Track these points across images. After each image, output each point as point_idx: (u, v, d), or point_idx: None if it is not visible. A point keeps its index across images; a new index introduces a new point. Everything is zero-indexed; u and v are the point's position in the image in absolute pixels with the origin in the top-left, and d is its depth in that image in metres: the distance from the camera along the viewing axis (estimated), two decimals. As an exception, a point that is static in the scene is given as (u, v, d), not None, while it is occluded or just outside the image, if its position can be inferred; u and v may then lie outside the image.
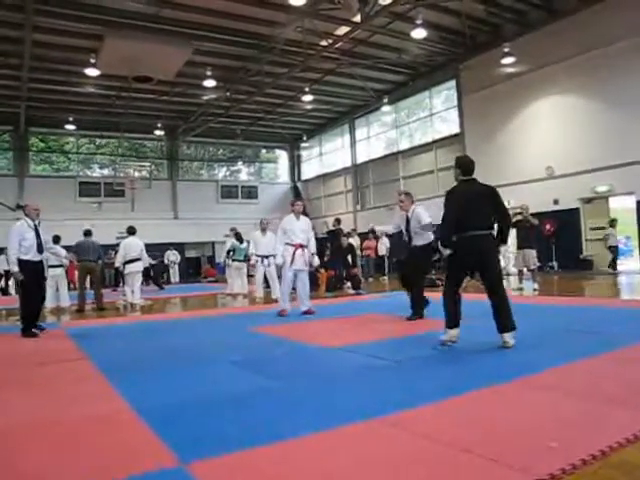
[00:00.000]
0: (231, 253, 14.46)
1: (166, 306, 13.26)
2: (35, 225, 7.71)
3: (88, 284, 12.55)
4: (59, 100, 22.28)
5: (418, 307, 7.49)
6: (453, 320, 5.24)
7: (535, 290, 11.17)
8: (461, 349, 5.15)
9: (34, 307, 7.72)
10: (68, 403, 3.84)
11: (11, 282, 7.23)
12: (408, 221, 7.60)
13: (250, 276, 14.02)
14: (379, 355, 4.98)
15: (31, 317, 7.59)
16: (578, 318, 6.94)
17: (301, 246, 8.81)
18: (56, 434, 3.14)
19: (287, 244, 8.76)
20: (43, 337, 7.50)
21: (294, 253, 8.69)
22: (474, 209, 5.13)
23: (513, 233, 12.60)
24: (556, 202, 17.43)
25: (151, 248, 17.78)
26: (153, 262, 20.55)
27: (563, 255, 17.37)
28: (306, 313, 8.73)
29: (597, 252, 16.72)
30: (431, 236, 7.41)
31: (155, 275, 20.30)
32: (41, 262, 7.87)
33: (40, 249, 7.69)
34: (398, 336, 6.12)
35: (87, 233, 12.36)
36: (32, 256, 7.50)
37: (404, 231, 7.73)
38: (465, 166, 5.32)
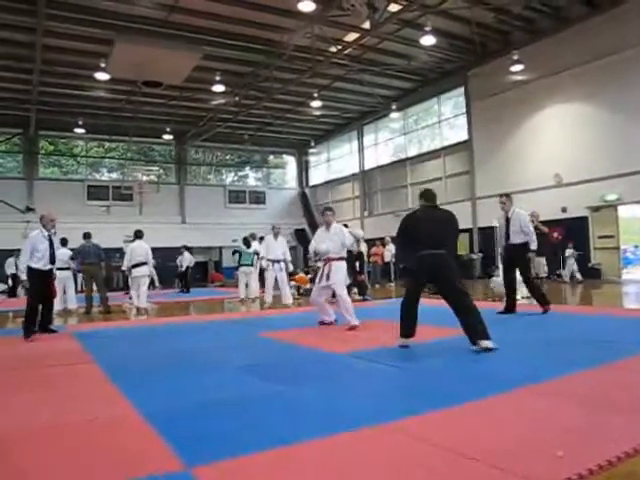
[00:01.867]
0: (236, 255, 14.47)
1: (173, 310, 13.27)
2: (50, 236, 8.00)
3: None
4: (69, 104, 22.42)
5: (542, 297, 8.25)
6: (408, 330, 5.64)
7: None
8: (466, 356, 5.13)
9: (37, 312, 7.85)
10: (73, 405, 3.84)
11: (20, 289, 7.45)
12: (508, 220, 8.32)
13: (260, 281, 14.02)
14: (384, 361, 4.96)
15: (33, 321, 7.73)
16: (586, 327, 6.89)
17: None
18: (60, 437, 3.14)
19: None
20: (50, 339, 7.54)
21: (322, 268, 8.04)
22: (434, 231, 5.60)
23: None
24: (564, 210, 17.35)
25: (159, 252, 18.01)
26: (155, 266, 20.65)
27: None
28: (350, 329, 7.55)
29: (605, 261, 16.63)
30: (529, 237, 8.21)
31: (186, 277, 20.56)
32: (50, 271, 8.04)
33: (52, 260, 7.98)
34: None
35: (86, 236, 12.44)
36: (42, 265, 7.76)
37: (503, 229, 8.45)
38: (427, 197, 5.89)
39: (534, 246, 8.19)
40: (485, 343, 5.16)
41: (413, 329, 5.64)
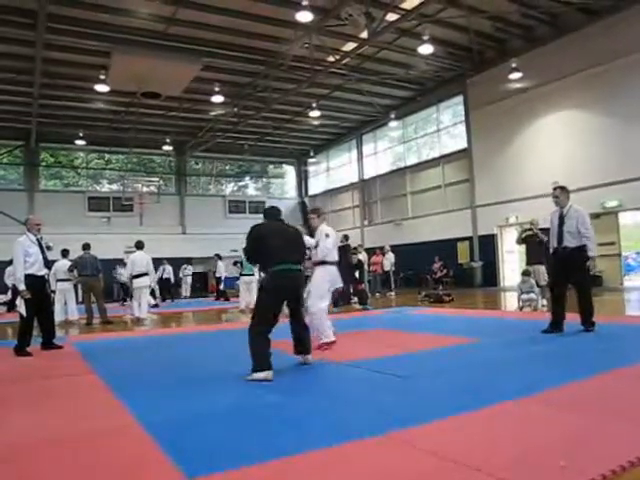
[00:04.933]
0: (238, 265, 14.47)
1: (173, 321, 13.25)
2: (38, 239, 7.53)
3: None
4: (69, 116, 22.51)
5: (588, 314, 6.93)
6: (266, 362, 4.91)
7: (544, 306, 11.07)
8: (468, 365, 5.12)
9: (32, 325, 7.32)
10: (74, 417, 3.83)
11: (18, 301, 6.95)
12: (562, 218, 7.02)
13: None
14: (386, 371, 4.94)
15: (27, 336, 7.20)
16: (589, 335, 6.85)
17: None
18: (62, 448, 3.13)
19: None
20: (50, 351, 7.44)
21: None
22: (289, 244, 5.30)
23: (523, 249, 12.54)
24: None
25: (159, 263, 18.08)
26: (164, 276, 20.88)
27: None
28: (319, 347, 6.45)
29: (607, 268, 16.58)
30: (587, 239, 6.87)
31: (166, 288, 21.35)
32: (43, 277, 7.51)
33: (46, 264, 7.53)
34: (405, 352, 6.08)
35: (85, 247, 12.43)
36: (35, 270, 7.24)
37: (555, 229, 7.10)
38: (270, 215, 5.69)
39: (592, 252, 6.83)
40: (311, 357, 5.51)
41: (269, 359, 4.98)
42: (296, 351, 5.54)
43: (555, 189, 7.23)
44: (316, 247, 6.76)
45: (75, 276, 12.43)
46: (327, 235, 6.84)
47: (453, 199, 22.48)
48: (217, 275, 21.45)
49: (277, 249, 5.15)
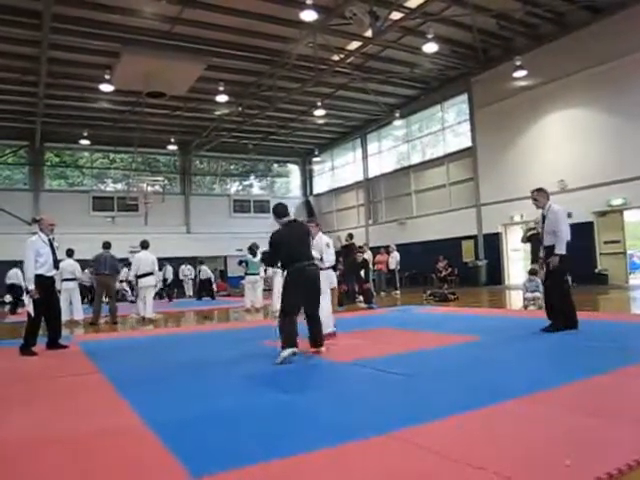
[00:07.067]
0: (243, 264, 14.48)
1: (178, 320, 13.27)
2: (50, 240, 7.53)
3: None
4: (74, 116, 22.60)
5: (560, 316, 6.78)
6: (293, 340, 5.70)
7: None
8: (472, 363, 5.11)
9: (39, 325, 7.33)
10: (79, 417, 3.84)
11: (27, 300, 6.78)
12: (544, 219, 7.14)
13: (266, 290, 14.04)
14: (391, 370, 4.93)
15: (33, 336, 7.21)
16: (594, 333, 6.80)
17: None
18: (66, 448, 3.13)
19: None
20: (55, 350, 7.46)
21: None
22: (302, 246, 6.09)
23: (528, 247, 12.49)
24: (569, 216, 17.17)
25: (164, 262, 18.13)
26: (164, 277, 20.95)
27: (577, 269, 17.16)
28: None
29: (612, 266, 16.53)
30: (557, 236, 6.77)
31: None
32: (52, 278, 7.51)
33: (56, 265, 7.55)
34: (409, 351, 6.08)
35: (105, 246, 12.39)
36: (45, 271, 7.25)
37: (542, 231, 7.23)
38: (280, 213, 6.24)
39: (559, 249, 6.70)
40: (323, 349, 6.12)
41: (296, 338, 5.80)
42: (312, 345, 6.13)
43: (533, 192, 7.36)
44: (321, 259, 7.28)
45: (80, 276, 12.44)
46: (328, 245, 7.63)
47: (458, 198, 22.45)
48: (201, 277, 21.99)
49: (293, 252, 5.97)
